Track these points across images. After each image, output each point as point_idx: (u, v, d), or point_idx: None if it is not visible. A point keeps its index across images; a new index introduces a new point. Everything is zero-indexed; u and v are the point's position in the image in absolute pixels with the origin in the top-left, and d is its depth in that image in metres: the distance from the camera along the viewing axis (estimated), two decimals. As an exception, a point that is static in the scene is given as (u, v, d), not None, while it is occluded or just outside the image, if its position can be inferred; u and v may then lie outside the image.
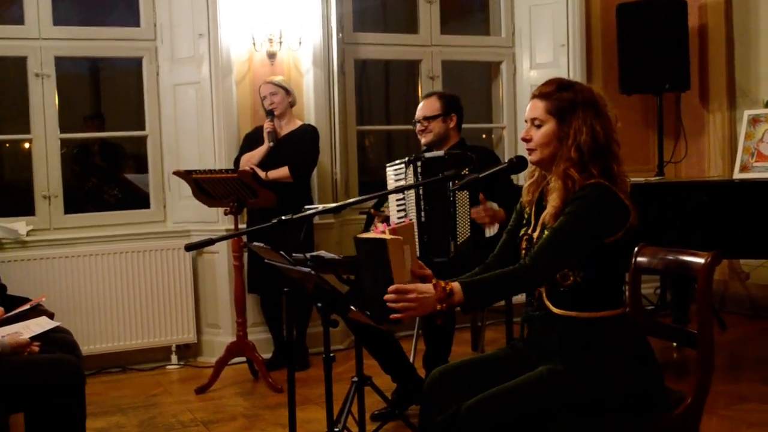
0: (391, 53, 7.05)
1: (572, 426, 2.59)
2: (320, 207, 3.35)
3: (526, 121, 2.86)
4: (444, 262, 4.29)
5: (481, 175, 3.25)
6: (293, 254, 3.55)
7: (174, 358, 5.99)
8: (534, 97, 2.83)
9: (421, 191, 4.42)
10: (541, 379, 2.64)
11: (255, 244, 3.14)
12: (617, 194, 2.68)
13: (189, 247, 2.85)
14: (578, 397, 2.61)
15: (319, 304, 2.79)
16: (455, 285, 2.66)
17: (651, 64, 6.73)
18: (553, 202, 2.75)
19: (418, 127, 4.71)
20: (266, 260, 3.02)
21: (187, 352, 6.10)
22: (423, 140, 4.71)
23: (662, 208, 5.32)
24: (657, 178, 6.62)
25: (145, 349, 5.93)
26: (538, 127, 2.79)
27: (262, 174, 5.48)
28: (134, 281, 5.84)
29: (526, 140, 2.84)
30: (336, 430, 2.90)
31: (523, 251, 2.86)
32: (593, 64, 7.10)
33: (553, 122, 2.76)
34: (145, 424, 4.67)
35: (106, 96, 8.62)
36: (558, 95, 2.76)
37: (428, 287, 2.64)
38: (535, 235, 2.82)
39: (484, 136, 7.70)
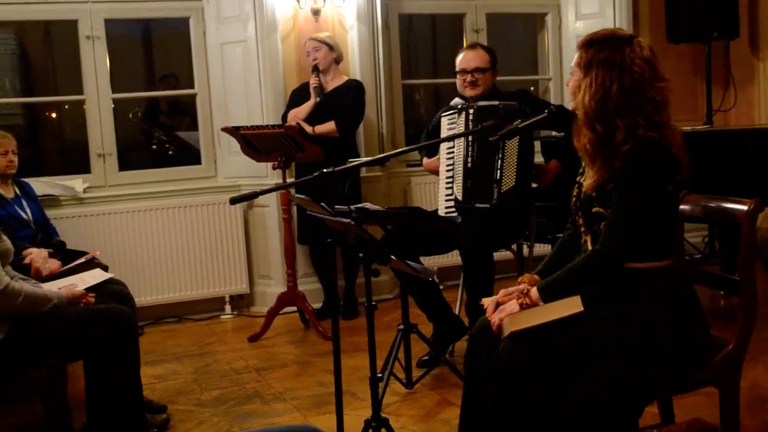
0: (435, 7, 7.06)
1: (613, 370, 2.63)
2: (363, 159, 3.43)
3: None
4: (486, 207, 4.38)
5: (520, 126, 3.31)
6: (336, 206, 3.67)
7: (228, 308, 6.19)
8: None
9: (470, 138, 4.46)
10: (582, 320, 2.68)
11: (297, 195, 3.25)
12: (665, 148, 2.70)
13: (234, 201, 2.96)
14: (620, 342, 2.67)
15: (360, 254, 2.89)
16: (533, 291, 2.82)
17: (699, 12, 6.65)
18: (590, 172, 2.82)
19: (468, 78, 4.62)
20: (308, 212, 3.12)
21: (241, 302, 6.30)
22: (472, 93, 4.62)
23: (708, 157, 5.30)
24: (705, 127, 6.59)
25: (200, 299, 6.14)
26: (572, 75, 2.88)
27: (308, 129, 5.59)
28: (188, 235, 6.03)
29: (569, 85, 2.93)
30: (380, 375, 3.01)
31: (573, 198, 2.93)
32: (640, 14, 7.05)
33: (579, 74, 2.82)
34: (200, 371, 4.86)
35: (160, 56, 8.78)
36: (583, 51, 2.81)
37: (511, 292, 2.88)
38: (585, 183, 2.87)
39: (532, 88, 7.69)
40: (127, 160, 7.32)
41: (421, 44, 9.28)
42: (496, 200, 4.36)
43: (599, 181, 2.76)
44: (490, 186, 4.38)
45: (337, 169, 3.05)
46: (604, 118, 2.74)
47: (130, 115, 8.43)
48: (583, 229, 2.90)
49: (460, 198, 4.48)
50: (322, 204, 2.99)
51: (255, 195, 3.04)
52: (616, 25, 6.70)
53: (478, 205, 4.38)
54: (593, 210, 2.79)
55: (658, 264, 2.77)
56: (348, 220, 2.82)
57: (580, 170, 2.97)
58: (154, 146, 8.14)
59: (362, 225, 5.49)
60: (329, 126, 5.64)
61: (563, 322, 2.68)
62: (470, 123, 4.45)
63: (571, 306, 2.70)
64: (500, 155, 4.36)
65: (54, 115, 8.46)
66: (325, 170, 3.03)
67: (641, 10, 7.04)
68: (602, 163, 2.77)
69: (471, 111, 4.46)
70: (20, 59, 8.64)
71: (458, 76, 4.68)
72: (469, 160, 4.47)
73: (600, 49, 2.78)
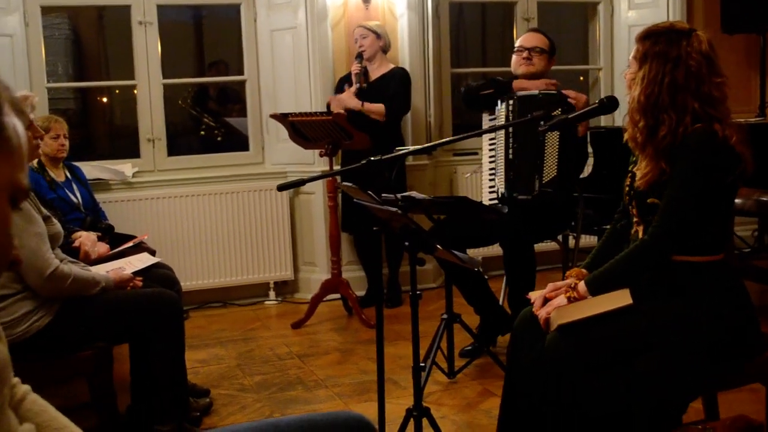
0: (485, -5, 7.01)
1: (657, 364, 2.61)
2: (410, 148, 3.42)
3: None
4: (527, 199, 4.35)
5: (570, 116, 3.29)
6: (383, 194, 3.66)
7: (272, 294, 6.24)
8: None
9: (511, 129, 4.44)
10: (630, 313, 2.65)
11: (344, 183, 3.25)
12: (721, 140, 2.66)
13: (281, 187, 2.97)
14: (666, 336, 2.64)
15: (406, 243, 2.89)
16: (581, 285, 2.81)
17: (754, 2, 6.52)
18: (641, 166, 2.80)
19: (524, 54, 4.59)
20: (355, 200, 3.13)
21: (285, 288, 6.34)
22: (523, 69, 4.58)
23: (760, 150, 5.20)
24: (758, 119, 6.47)
25: (245, 285, 6.19)
26: (629, 67, 2.85)
27: (357, 104, 5.58)
28: (234, 221, 6.07)
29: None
30: (422, 364, 3.01)
31: (627, 188, 2.90)
32: (694, 3, 6.91)
33: (634, 66, 2.80)
34: (243, 357, 4.91)
35: (211, 42, 8.84)
36: (639, 44, 2.79)
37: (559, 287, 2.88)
38: (637, 179, 2.84)
39: (582, 78, 7.62)
40: (177, 146, 7.39)
41: (470, 33, 9.23)
42: (537, 192, 4.34)
43: (651, 178, 2.73)
44: (532, 177, 4.36)
45: (384, 157, 3.05)
46: (653, 112, 2.72)
47: (180, 101, 8.51)
48: (635, 219, 2.87)
49: (502, 190, 4.46)
50: (369, 192, 2.98)
51: (302, 182, 3.05)
52: (669, 14, 6.61)
53: (520, 197, 4.36)
54: (648, 201, 2.76)
55: (708, 258, 2.73)
56: (394, 209, 2.81)
57: (633, 158, 2.94)
58: (203, 132, 8.21)
59: (408, 214, 5.53)
60: (378, 107, 5.61)
61: (611, 315, 2.65)
62: (511, 114, 4.42)
63: (620, 299, 2.68)
64: (542, 146, 4.33)
65: (106, 99, 8.57)
66: (372, 158, 3.03)
67: (696, -1, 6.91)
68: (652, 157, 2.74)
69: (512, 101, 4.44)
70: (73, 44, 8.78)
71: (515, 54, 4.65)
72: (511, 151, 4.45)
73: (656, 41, 2.75)
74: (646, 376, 2.59)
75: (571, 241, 5.00)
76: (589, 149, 5.69)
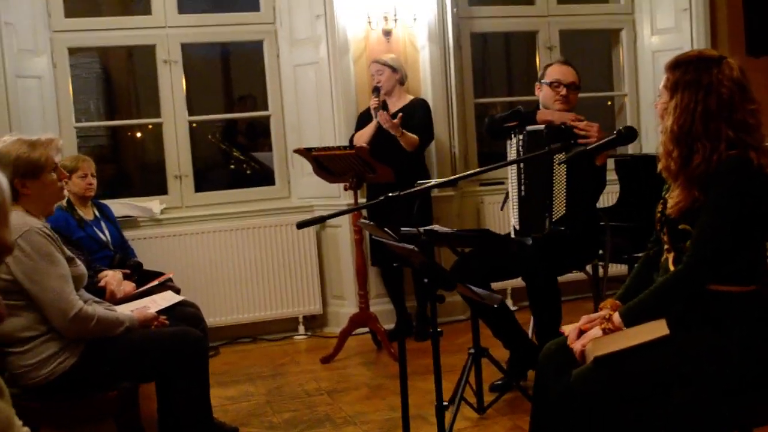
0: (507, 25, 7.01)
1: (690, 399, 2.57)
2: (430, 182, 3.42)
3: None
4: (539, 237, 4.29)
5: (589, 147, 3.27)
6: (402, 229, 3.65)
7: (301, 328, 6.22)
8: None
9: (522, 165, 4.41)
10: (663, 344, 2.61)
11: (362, 221, 3.25)
12: (756, 168, 2.63)
13: (300, 225, 2.97)
14: (698, 370, 2.59)
15: (425, 280, 2.86)
16: (615, 316, 2.77)
17: (779, 23, 6.48)
18: (673, 194, 2.77)
19: (562, 92, 4.47)
20: (373, 237, 3.12)
21: (314, 322, 6.32)
22: (559, 106, 4.46)
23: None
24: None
25: (274, 320, 6.18)
26: (659, 97, 2.84)
27: (398, 131, 5.50)
28: (262, 255, 6.08)
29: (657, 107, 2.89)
30: (446, 403, 2.97)
31: (658, 214, 2.87)
32: (718, 27, 6.85)
33: (665, 96, 2.78)
34: (272, 393, 4.88)
35: (239, 77, 8.93)
36: (669, 73, 2.77)
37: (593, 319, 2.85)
38: (669, 206, 2.81)
39: (609, 103, 7.58)
40: (208, 180, 7.47)
41: (494, 62, 9.25)
42: (547, 230, 4.30)
43: (683, 206, 2.70)
44: (542, 215, 4.33)
45: (402, 193, 3.04)
46: (687, 141, 2.70)
47: (210, 136, 8.59)
48: (666, 246, 2.83)
49: (517, 227, 4.44)
50: (386, 229, 2.97)
51: (322, 219, 3.05)
52: (693, 39, 6.58)
53: (533, 234, 4.32)
54: (680, 227, 2.73)
55: (742, 288, 2.69)
56: (411, 246, 2.80)
57: (666, 186, 2.91)
58: (233, 166, 8.29)
59: (432, 247, 5.50)
60: (415, 138, 5.60)
61: (646, 347, 2.62)
62: (521, 149, 4.40)
63: (657, 329, 2.64)
64: (550, 183, 4.30)
65: (139, 135, 8.67)
66: (390, 194, 3.03)
67: (719, 23, 6.84)
68: (684, 186, 2.71)
69: (521, 136, 4.40)
70: (104, 82, 8.91)
71: (550, 88, 4.51)
72: (523, 188, 4.42)
73: (686, 70, 2.74)
74: (681, 410, 2.55)
75: (600, 271, 4.94)
76: (615, 177, 5.69)
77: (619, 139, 3.14)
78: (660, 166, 2.83)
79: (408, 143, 5.59)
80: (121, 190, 7.59)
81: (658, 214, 2.88)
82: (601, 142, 3.25)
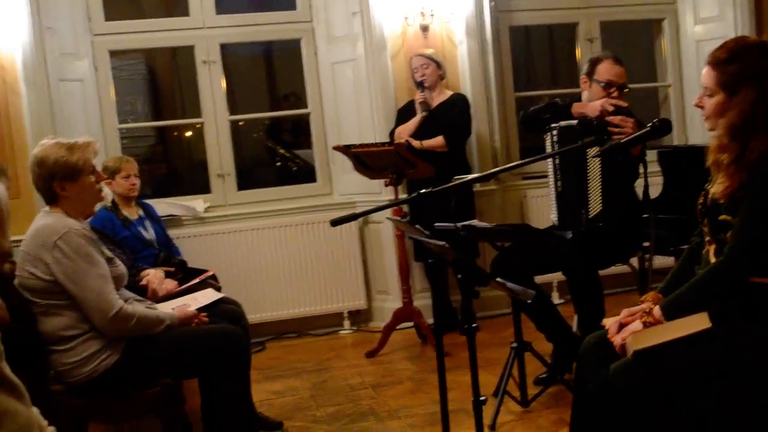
0: (546, 18, 6.93)
1: (730, 395, 2.54)
2: (466, 177, 3.40)
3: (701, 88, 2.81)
4: (577, 233, 4.25)
5: (623, 140, 3.24)
6: (438, 225, 3.65)
7: (346, 323, 6.26)
8: (707, 63, 2.76)
9: (557, 160, 4.37)
10: (705, 337, 2.58)
11: (392, 218, 3.23)
12: None
13: (334, 223, 2.97)
14: (738, 364, 2.56)
15: (458, 276, 2.84)
16: (656, 309, 2.74)
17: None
18: (720, 179, 2.71)
19: (614, 93, 4.34)
20: (406, 234, 3.11)
21: (359, 317, 6.35)
22: (614, 106, 4.29)
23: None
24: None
25: (320, 315, 6.22)
26: (710, 96, 2.75)
27: (416, 143, 5.57)
28: (306, 251, 6.12)
29: (699, 107, 2.80)
30: (483, 398, 2.96)
31: (700, 206, 2.83)
32: (764, 15, 6.71)
33: (721, 95, 2.71)
34: (317, 387, 4.92)
35: (283, 75, 8.99)
36: (725, 68, 2.69)
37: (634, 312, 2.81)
38: (711, 190, 2.78)
39: (664, 94, 7.46)
40: (254, 177, 7.53)
41: (538, 54, 9.18)
42: (584, 226, 4.25)
43: (731, 188, 2.65)
44: (578, 211, 4.28)
45: (435, 189, 3.02)
46: (744, 134, 2.65)
47: (255, 134, 8.67)
48: (707, 238, 2.79)
49: (556, 222, 4.40)
50: (417, 226, 2.97)
51: (354, 217, 3.05)
52: (737, 26, 6.46)
53: (571, 230, 4.28)
54: (720, 218, 2.69)
55: None
56: (443, 243, 2.78)
57: (709, 178, 2.86)
58: (278, 164, 8.35)
59: (475, 242, 5.48)
60: (438, 140, 5.62)
61: (687, 340, 2.58)
62: (555, 144, 4.35)
63: (699, 322, 2.61)
64: (584, 178, 4.25)
65: (189, 134, 8.77)
66: (423, 191, 3.02)
67: (765, 10, 6.69)
68: (733, 173, 2.66)
69: (555, 132, 4.35)
70: (149, 83, 9.04)
71: (602, 88, 4.38)
72: (559, 183, 4.38)
73: (744, 64, 2.67)
74: (722, 403, 2.51)
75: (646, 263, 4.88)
76: (658, 168, 5.61)
77: (654, 131, 3.10)
78: (710, 160, 2.78)
79: (435, 148, 5.60)
80: (169, 190, 7.69)
81: (700, 206, 2.84)
82: (634, 135, 3.22)
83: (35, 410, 1.63)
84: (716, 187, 2.71)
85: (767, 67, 2.64)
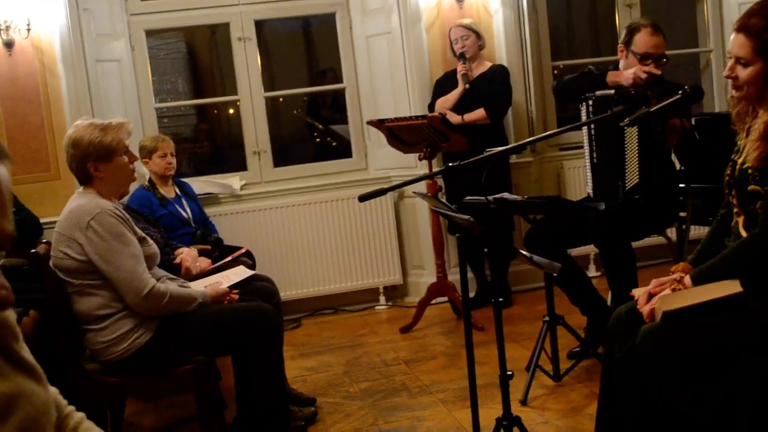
0: (584, -16, 6.83)
1: (761, 367, 2.49)
2: (495, 150, 3.37)
3: (729, 57, 2.71)
4: (614, 205, 4.18)
5: (652, 109, 3.18)
6: (468, 198, 3.63)
7: (382, 299, 6.27)
8: (738, 29, 2.65)
9: (593, 131, 4.31)
10: (738, 307, 2.54)
11: (416, 192, 3.24)
12: None
13: (362, 198, 2.97)
14: (763, 334, 2.52)
15: (485, 250, 2.84)
16: (686, 279, 2.71)
17: None
18: (754, 144, 2.65)
19: (650, 67, 4.23)
20: (433, 208, 3.11)
21: (395, 292, 6.36)
22: (647, 73, 4.21)
23: None
24: None
25: (355, 291, 6.24)
26: (744, 65, 2.65)
27: (457, 118, 5.55)
28: (341, 227, 6.13)
29: (731, 77, 2.71)
30: (509, 372, 2.96)
31: (727, 177, 2.79)
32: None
33: (761, 64, 2.62)
34: (351, 363, 4.95)
35: (322, 50, 8.98)
36: (766, 33, 2.58)
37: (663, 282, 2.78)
38: (739, 161, 2.73)
39: (706, 60, 7.33)
40: (293, 154, 7.55)
41: (578, 21, 9.05)
42: (621, 198, 4.19)
43: (765, 152, 2.60)
44: (615, 183, 4.22)
45: (462, 162, 3.02)
46: None
47: (295, 111, 8.69)
48: (736, 210, 2.75)
49: (591, 195, 4.35)
50: (442, 200, 2.97)
51: (383, 192, 3.04)
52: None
53: (606, 203, 4.22)
54: (749, 188, 2.64)
55: None
56: (468, 217, 2.78)
57: (735, 149, 2.81)
58: (318, 139, 8.37)
59: (508, 215, 5.45)
60: (479, 113, 5.59)
61: (718, 304, 2.54)
62: (590, 114, 4.28)
63: (730, 287, 2.57)
64: (621, 149, 4.18)
65: (231, 111, 8.83)
66: (450, 164, 3.01)
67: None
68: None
69: (591, 102, 4.29)
70: (188, 62, 9.10)
71: (638, 60, 4.28)
72: (595, 155, 4.32)
73: None
74: (748, 382, 2.47)
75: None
76: (697, 136, 5.51)
77: (685, 98, 3.05)
78: (740, 125, 2.72)
79: (477, 121, 5.57)
80: (209, 168, 7.75)
81: (727, 177, 2.79)
82: (665, 102, 3.15)
83: (54, 390, 1.67)
84: (751, 154, 2.65)
85: None
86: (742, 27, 2.64)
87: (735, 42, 2.66)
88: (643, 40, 4.31)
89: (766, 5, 2.65)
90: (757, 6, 2.66)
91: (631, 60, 4.34)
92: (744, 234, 2.69)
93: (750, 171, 2.64)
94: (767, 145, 2.59)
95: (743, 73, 2.66)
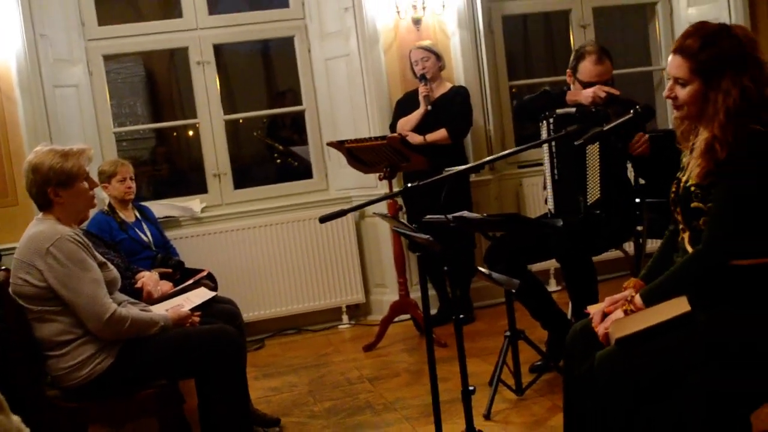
0: (538, 5, 6.92)
1: (711, 378, 2.54)
2: (454, 169, 3.43)
3: (668, 78, 2.77)
4: (575, 221, 4.26)
5: (605, 128, 3.24)
6: (428, 217, 3.68)
7: (345, 317, 6.29)
8: (675, 51, 2.71)
9: (554, 148, 4.37)
10: (687, 324, 2.59)
11: (377, 213, 3.28)
12: None
13: (323, 219, 3.01)
14: (720, 348, 2.58)
15: (445, 268, 2.88)
16: (636, 298, 2.77)
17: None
18: (696, 161, 2.71)
19: (602, 94, 4.33)
20: (392, 228, 3.15)
21: (358, 311, 6.38)
22: (606, 92, 4.32)
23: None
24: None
25: (318, 310, 6.26)
26: (683, 85, 2.71)
27: (419, 138, 5.60)
28: (303, 247, 6.15)
29: (671, 98, 2.77)
30: (471, 387, 3.00)
31: (672, 194, 2.85)
32: (758, -1, 6.71)
33: (698, 83, 2.67)
34: (315, 383, 4.96)
35: (282, 72, 9.01)
36: (701, 54, 2.64)
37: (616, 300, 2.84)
38: (683, 178, 2.80)
39: (659, 78, 7.46)
40: (255, 176, 7.57)
41: (534, 42, 9.17)
42: (582, 214, 4.27)
43: (706, 168, 2.64)
44: (576, 198, 4.29)
45: (421, 183, 3.07)
46: (731, 122, 2.63)
47: (255, 133, 8.70)
48: (681, 226, 2.82)
49: (552, 211, 4.42)
50: (402, 221, 3.01)
51: (343, 213, 3.07)
52: (730, 12, 6.41)
53: (568, 218, 4.29)
54: (692, 205, 2.71)
55: (762, 261, 2.64)
56: (427, 236, 2.82)
57: (681, 166, 2.89)
58: (278, 161, 8.39)
59: (471, 233, 5.51)
60: (441, 133, 5.65)
61: (668, 325, 2.60)
62: (551, 132, 4.35)
63: (678, 306, 2.63)
64: (583, 165, 4.25)
65: (191, 133, 8.81)
66: (410, 185, 3.06)
67: (757, -7, 6.68)
68: (710, 157, 2.67)
69: (552, 120, 4.35)
70: (148, 85, 9.08)
71: (583, 87, 4.42)
72: (556, 172, 4.39)
73: (717, 48, 2.64)
74: (699, 393, 2.53)
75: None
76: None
77: (636, 117, 3.11)
78: (683, 144, 2.80)
79: (438, 141, 5.63)
80: (169, 191, 7.73)
81: (672, 194, 2.86)
82: (617, 122, 3.22)
83: (16, 419, 1.67)
84: (693, 171, 2.72)
85: (737, 50, 2.63)
86: (679, 49, 2.71)
87: (673, 63, 2.73)
88: (587, 69, 4.44)
89: (700, 27, 2.72)
90: (692, 28, 2.74)
91: (578, 85, 4.45)
92: (690, 249, 2.75)
93: (693, 189, 2.71)
94: (708, 161, 2.64)
95: (682, 93, 2.72)
